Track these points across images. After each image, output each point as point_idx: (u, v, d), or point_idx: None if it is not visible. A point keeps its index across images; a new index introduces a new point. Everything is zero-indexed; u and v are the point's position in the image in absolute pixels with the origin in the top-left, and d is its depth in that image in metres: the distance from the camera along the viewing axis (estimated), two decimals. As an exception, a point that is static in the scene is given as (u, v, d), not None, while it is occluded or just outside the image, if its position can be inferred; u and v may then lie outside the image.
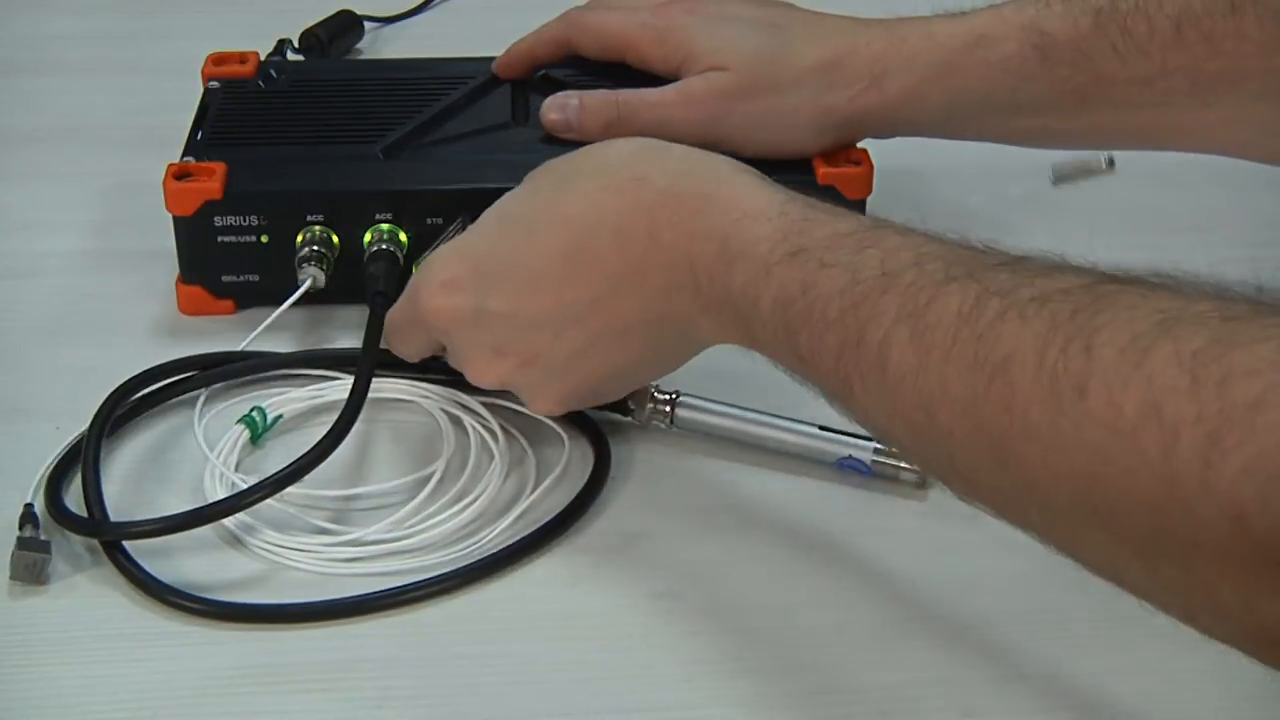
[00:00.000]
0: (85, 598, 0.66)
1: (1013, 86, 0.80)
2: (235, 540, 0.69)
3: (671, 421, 0.74)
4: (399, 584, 0.66)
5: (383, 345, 0.75)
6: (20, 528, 0.67)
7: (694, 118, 0.82)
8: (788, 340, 0.60)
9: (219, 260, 0.83)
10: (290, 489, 0.69)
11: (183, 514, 0.68)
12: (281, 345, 0.81)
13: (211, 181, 0.81)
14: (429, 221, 0.82)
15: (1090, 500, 0.48)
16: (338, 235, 0.82)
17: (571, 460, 0.73)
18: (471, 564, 0.68)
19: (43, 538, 0.67)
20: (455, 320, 0.70)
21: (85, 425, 0.72)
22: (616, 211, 0.66)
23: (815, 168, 0.83)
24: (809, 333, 0.58)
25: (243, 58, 0.94)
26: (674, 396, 0.75)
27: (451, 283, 0.70)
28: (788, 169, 0.82)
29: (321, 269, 0.81)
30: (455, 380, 0.77)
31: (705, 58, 0.83)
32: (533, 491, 0.71)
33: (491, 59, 0.94)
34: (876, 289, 0.56)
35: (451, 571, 0.67)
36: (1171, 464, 0.45)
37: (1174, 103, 0.77)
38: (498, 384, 0.71)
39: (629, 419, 0.75)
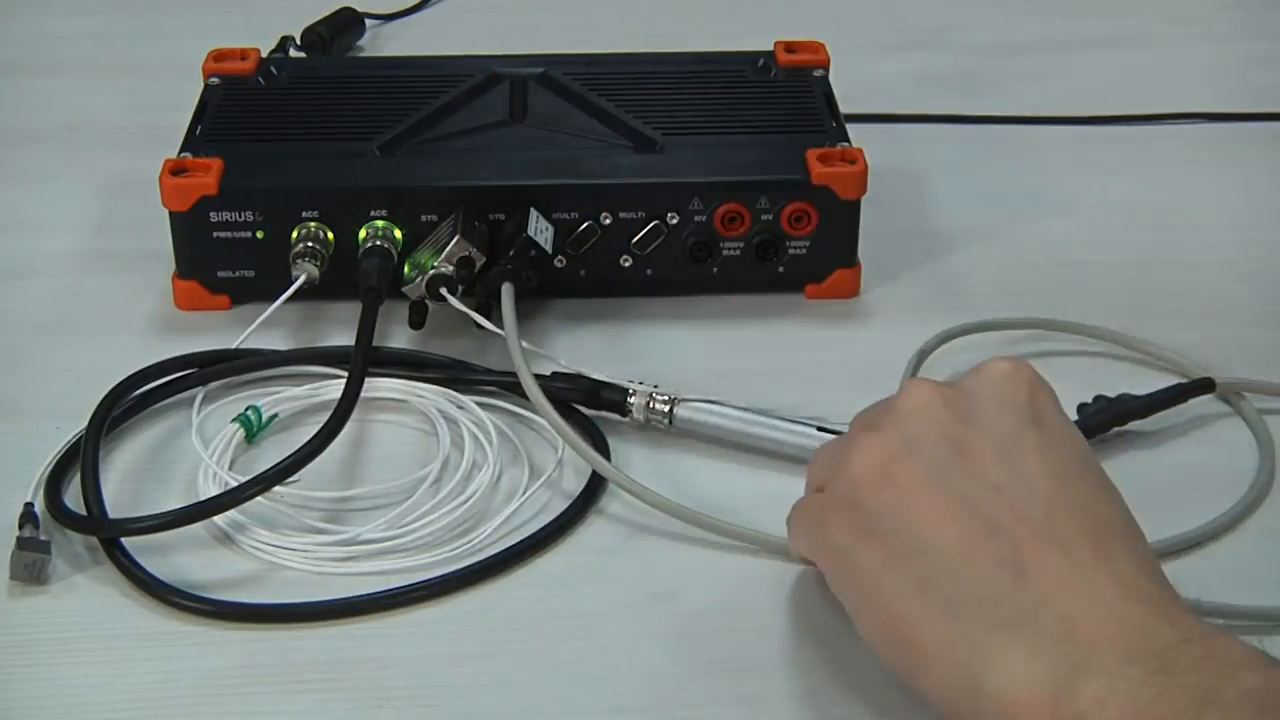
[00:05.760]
0: (85, 597, 0.66)
1: None
2: (231, 541, 0.69)
3: (671, 422, 0.74)
4: (396, 584, 0.66)
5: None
6: (20, 527, 0.67)
7: None
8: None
9: (214, 256, 0.83)
10: (286, 489, 0.69)
11: (181, 509, 0.68)
12: (276, 341, 0.81)
13: (207, 177, 0.81)
14: (424, 218, 0.82)
15: None
16: (333, 231, 0.82)
17: (565, 460, 0.73)
18: (472, 564, 0.68)
19: (42, 537, 0.67)
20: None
21: (85, 424, 0.72)
22: None
23: (809, 168, 0.83)
24: None
25: (243, 54, 0.94)
26: (673, 397, 0.75)
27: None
28: (782, 168, 0.83)
29: (316, 265, 0.81)
30: (448, 379, 0.77)
31: None
32: (526, 491, 0.71)
33: (490, 57, 0.94)
34: None
35: (452, 572, 0.67)
36: None
37: None
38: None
39: (629, 419, 0.75)
